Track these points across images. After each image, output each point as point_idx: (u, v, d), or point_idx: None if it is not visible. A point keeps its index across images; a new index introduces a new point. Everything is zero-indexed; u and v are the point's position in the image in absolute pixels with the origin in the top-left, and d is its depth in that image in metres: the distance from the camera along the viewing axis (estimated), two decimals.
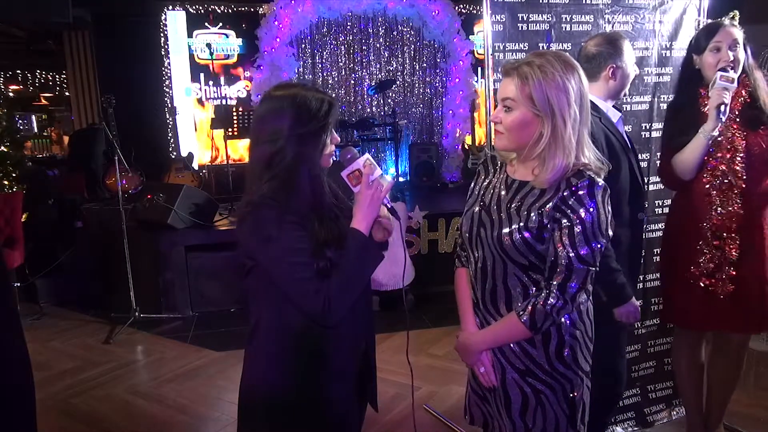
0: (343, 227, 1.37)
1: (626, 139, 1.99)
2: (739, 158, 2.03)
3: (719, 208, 2.06)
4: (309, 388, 1.39)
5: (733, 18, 2.11)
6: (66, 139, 8.84)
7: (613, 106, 1.99)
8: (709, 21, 2.17)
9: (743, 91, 2.05)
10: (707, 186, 2.08)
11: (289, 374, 1.38)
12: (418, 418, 2.59)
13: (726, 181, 2.04)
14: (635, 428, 2.62)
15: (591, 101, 1.83)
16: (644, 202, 2.06)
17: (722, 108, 1.94)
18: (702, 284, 2.11)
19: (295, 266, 1.28)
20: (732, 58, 2.00)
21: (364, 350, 1.50)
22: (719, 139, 2.03)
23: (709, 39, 2.05)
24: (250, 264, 1.36)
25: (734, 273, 2.07)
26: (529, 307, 1.34)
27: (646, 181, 2.29)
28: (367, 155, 1.39)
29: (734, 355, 2.26)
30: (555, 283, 1.32)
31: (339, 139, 1.43)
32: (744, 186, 2.04)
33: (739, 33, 2.03)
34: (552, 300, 1.32)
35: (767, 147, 2.03)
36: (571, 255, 1.30)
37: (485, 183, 1.51)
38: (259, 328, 1.40)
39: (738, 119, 2.05)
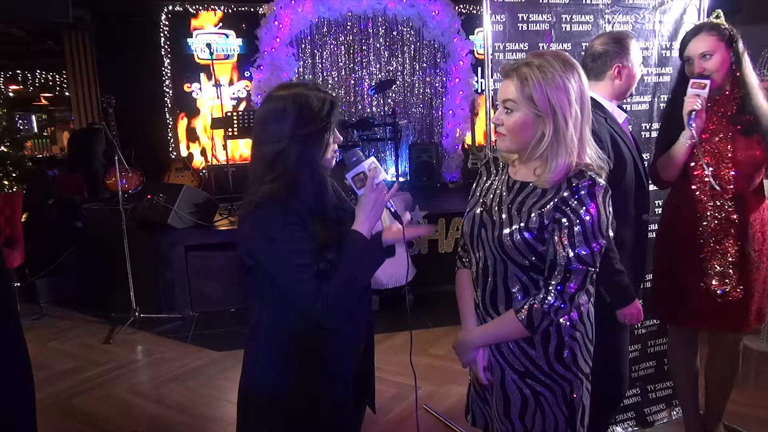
0: (345, 229, 1.36)
1: (632, 139, 1.98)
2: (724, 164, 2.03)
3: (716, 214, 2.06)
4: (308, 388, 1.39)
5: (717, 16, 2.09)
6: (64, 138, 8.85)
7: (618, 107, 1.99)
8: (691, 26, 2.19)
9: (738, 96, 2.04)
10: (697, 192, 2.08)
11: (288, 374, 1.38)
12: (418, 419, 2.60)
13: (716, 187, 2.04)
14: (635, 428, 2.62)
15: (597, 101, 1.84)
16: (648, 203, 2.06)
17: (693, 115, 1.95)
18: (717, 291, 2.09)
19: (295, 267, 1.28)
20: (702, 69, 2.01)
21: (363, 350, 1.50)
22: (705, 145, 2.04)
23: (682, 52, 2.09)
24: (251, 263, 1.36)
25: (739, 275, 2.07)
26: (527, 306, 1.34)
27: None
28: (372, 158, 1.39)
29: (730, 353, 2.26)
30: (553, 283, 1.32)
31: (342, 138, 1.43)
32: (734, 191, 2.04)
33: (715, 39, 2.00)
34: (550, 300, 1.32)
35: (758, 152, 2.01)
36: (570, 255, 1.30)
37: (487, 184, 1.52)
38: (259, 327, 1.40)
39: (725, 122, 2.04)
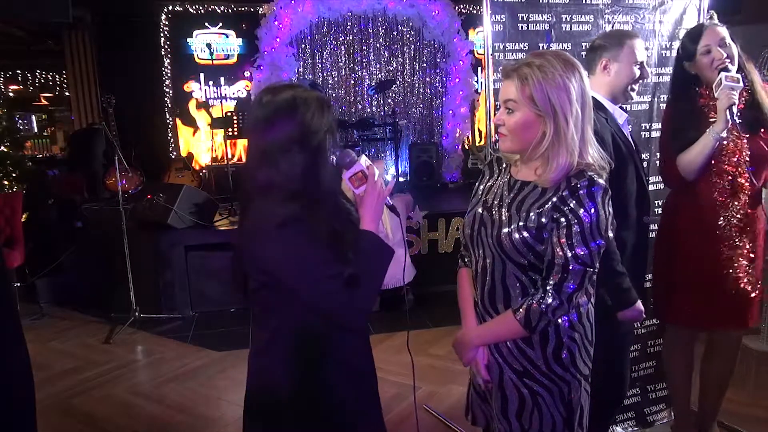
0: (353, 230, 1.35)
1: (631, 141, 1.98)
2: (744, 161, 2.02)
3: (734, 212, 2.05)
4: (310, 389, 1.37)
5: (711, 18, 2.10)
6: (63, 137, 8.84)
7: (620, 107, 1.98)
8: (690, 28, 2.18)
9: (743, 93, 2.03)
10: (717, 190, 2.07)
11: (291, 375, 1.37)
12: (418, 419, 2.60)
13: (735, 184, 2.04)
14: (635, 428, 2.62)
15: (598, 102, 1.83)
16: (649, 204, 2.05)
17: (733, 109, 1.92)
18: (741, 287, 2.08)
19: (326, 280, 1.24)
20: (726, 55, 1.99)
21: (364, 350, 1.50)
22: (725, 142, 2.02)
23: (695, 43, 2.04)
24: (266, 280, 1.32)
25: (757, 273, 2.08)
26: (525, 306, 1.34)
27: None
28: (363, 156, 1.37)
29: (729, 352, 2.27)
30: (551, 282, 1.32)
31: (338, 136, 1.42)
32: (750, 188, 2.04)
33: (723, 30, 2.01)
34: (548, 300, 1.32)
35: (766, 148, 2.02)
36: (568, 255, 1.30)
37: (489, 183, 1.52)
38: (264, 328, 1.38)
39: (739, 121, 2.03)
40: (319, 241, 1.25)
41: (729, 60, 1.99)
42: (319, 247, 1.25)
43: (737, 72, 2.01)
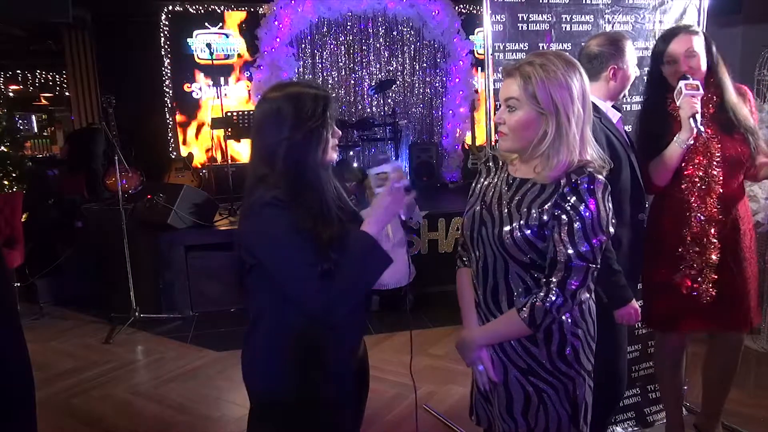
0: (346, 229, 1.35)
1: (627, 138, 1.99)
2: (715, 163, 2.02)
3: (699, 215, 2.05)
4: (306, 388, 1.38)
5: (696, 22, 2.08)
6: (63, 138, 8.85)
7: (612, 106, 1.99)
8: (667, 29, 2.18)
9: (714, 96, 2.04)
10: (686, 192, 2.07)
11: (286, 373, 1.38)
12: (418, 419, 2.60)
13: (704, 187, 2.04)
14: (635, 428, 2.62)
15: (593, 102, 1.84)
16: (645, 201, 2.06)
17: (697, 117, 1.93)
18: (685, 290, 2.09)
19: (299, 266, 1.27)
20: (688, 68, 1.98)
21: (361, 349, 1.50)
22: (695, 144, 2.02)
23: (665, 46, 2.04)
24: (252, 263, 1.36)
25: (716, 277, 2.06)
26: (529, 304, 1.34)
27: None
28: (400, 163, 1.39)
29: (730, 353, 2.25)
30: (554, 280, 1.32)
31: (340, 133, 1.42)
32: (721, 190, 2.03)
33: (696, 39, 2.00)
34: (552, 297, 1.32)
35: (741, 150, 2.02)
36: (570, 252, 1.30)
37: (486, 182, 1.52)
38: (258, 326, 1.40)
39: (710, 123, 2.03)
40: (300, 228, 1.27)
41: (691, 72, 1.98)
42: (298, 233, 1.27)
43: (707, 73, 2.02)
